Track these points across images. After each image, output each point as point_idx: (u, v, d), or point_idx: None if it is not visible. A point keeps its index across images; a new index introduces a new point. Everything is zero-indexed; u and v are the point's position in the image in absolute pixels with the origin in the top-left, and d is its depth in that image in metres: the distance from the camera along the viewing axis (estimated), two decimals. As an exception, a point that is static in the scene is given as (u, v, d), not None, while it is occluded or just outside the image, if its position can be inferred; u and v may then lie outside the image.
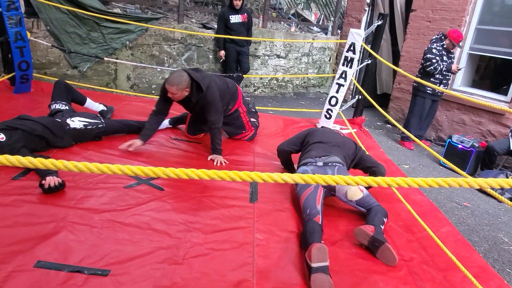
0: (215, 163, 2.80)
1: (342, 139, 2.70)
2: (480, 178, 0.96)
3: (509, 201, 1.85)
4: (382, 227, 2.14)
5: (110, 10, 5.01)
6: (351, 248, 2.10)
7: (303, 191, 2.24)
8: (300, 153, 2.77)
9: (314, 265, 1.68)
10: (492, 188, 3.87)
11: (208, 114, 2.85)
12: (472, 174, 4.38)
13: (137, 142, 2.74)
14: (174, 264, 1.63)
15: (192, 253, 1.72)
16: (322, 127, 3.12)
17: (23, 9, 3.96)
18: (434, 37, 4.77)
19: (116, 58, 5.08)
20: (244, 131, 3.39)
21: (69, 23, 4.65)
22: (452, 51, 4.72)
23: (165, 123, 3.39)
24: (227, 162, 2.87)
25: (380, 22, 4.20)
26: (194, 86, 2.80)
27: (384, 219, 2.22)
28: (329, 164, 2.38)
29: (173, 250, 1.73)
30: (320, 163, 2.39)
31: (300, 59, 7.12)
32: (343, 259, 1.99)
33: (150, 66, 5.26)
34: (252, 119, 3.46)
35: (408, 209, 2.56)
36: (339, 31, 7.61)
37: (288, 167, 2.90)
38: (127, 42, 5.13)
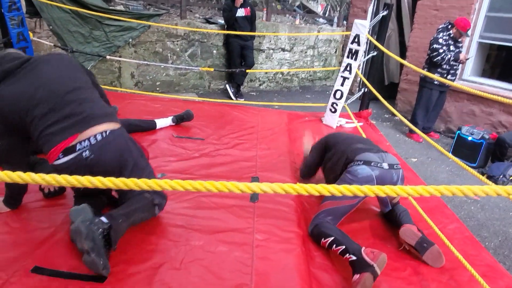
0: None
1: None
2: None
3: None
4: None
5: (113, 8, 4.99)
6: (354, 247, 2.06)
7: (342, 199, 1.98)
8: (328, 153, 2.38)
9: (375, 267, 1.70)
10: (503, 181, 3.78)
11: None
12: (483, 166, 4.28)
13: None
14: (171, 269, 1.60)
15: (190, 256, 1.70)
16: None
17: (24, 9, 3.97)
18: (440, 26, 4.64)
19: (120, 56, 5.07)
20: None
21: (71, 22, 4.65)
22: (459, 40, 4.59)
23: (168, 121, 3.36)
24: None
25: (385, 12, 4.09)
26: None
27: None
28: (395, 166, 2.07)
29: (171, 254, 1.70)
30: (386, 165, 2.03)
31: (306, 52, 7.03)
32: (346, 259, 1.95)
33: (153, 63, 5.24)
34: None
35: (414, 205, 2.50)
36: (344, 22, 7.48)
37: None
38: (130, 40, 5.11)
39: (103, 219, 1.57)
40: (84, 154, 1.64)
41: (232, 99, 5.69)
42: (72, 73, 1.78)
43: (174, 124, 3.42)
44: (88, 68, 4.95)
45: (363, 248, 1.77)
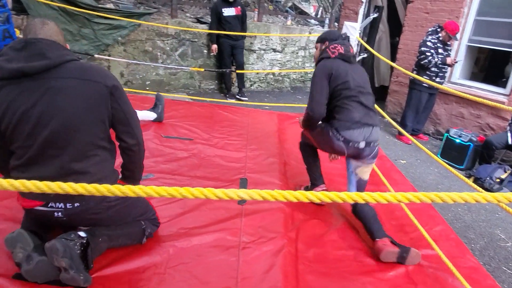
0: None
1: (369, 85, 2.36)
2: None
3: (507, 207, 1.80)
4: None
5: (102, 6, 4.93)
6: (341, 249, 2.06)
7: (321, 148, 2.42)
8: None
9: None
10: (490, 183, 3.82)
11: None
12: (470, 168, 4.32)
13: None
14: (156, 274, 1.59)
15: (175, 260, 1.68)
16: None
17: (10, 6, 3.89)
18: (430, 29, 4.67)
19: (109, 55, 5.01)
20: None
21: (59, 20, 4.56)
22: (448, 43, 4.63)
23: (150, 114, 3.33)
24: None
25: (375, 15, 4.12)
26: None
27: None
28: (371, 144, 2.17)
29: (156, 257, 1.68)
30: (362, 144, 2.15)
31: (297, 53, 7.03)
32: (332, 261, 1.96)
33: (143, 62, 5.19)
34: None
35: (401, 207, 2.52)
36: (336, 24, 7.50)
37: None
38: (119, 38, 5.05)
39: (81, 233, 1.49)
40: (55, 214, 1.47)
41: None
42: (82, 125, 1.45)
43: (156, 116, 3.37)
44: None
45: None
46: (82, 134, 1.44)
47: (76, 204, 1.46)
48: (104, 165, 1.53)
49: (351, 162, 2.26)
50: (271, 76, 6.91)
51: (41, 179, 1.34)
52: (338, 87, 2.17)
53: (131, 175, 1.72)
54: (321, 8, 8.07)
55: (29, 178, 1.33)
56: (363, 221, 2.17)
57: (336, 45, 2.25)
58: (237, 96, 5.87)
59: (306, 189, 2.34)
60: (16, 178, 1.37)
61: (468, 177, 4.05)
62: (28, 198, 1.44)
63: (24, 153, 1.41)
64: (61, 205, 1.45)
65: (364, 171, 2.25)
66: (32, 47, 1.38)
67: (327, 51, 2.27)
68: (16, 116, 1.37)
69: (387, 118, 3.46)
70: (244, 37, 5.78)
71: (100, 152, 1.51)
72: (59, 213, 1.47)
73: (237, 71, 5.73)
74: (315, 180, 2.51)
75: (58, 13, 4.53)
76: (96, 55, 4.65)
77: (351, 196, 0.80)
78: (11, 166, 1.46)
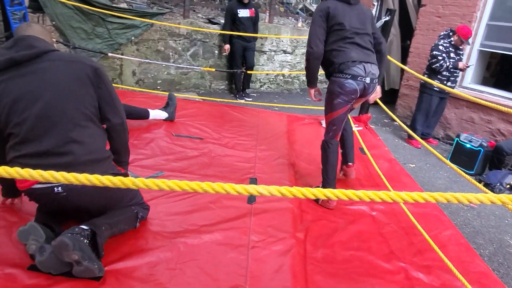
0: None
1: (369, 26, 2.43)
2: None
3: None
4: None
5: (116, 5, 5.00)
6: (349, 250, 2.07)
7: (338, 108, 2.37)
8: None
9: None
10: (500, 189, 3.79)
11: None
12: (480, 174, 4.29)
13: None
14: (167, 269, 1.61)
15: (186, 256, 1.71)
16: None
17: (27, 4, 3.98)
18: (442, 33, 4.66)
19: (122, 54, 5.08)
20: None
21: (74, 18, 4.65)
22: (461, 47, 4.61)
23: (162, 114, 3.36)
24: None
25: (387, 18, 4.11)
26: None
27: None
28: (374, 81, 2.35)
29: (167, 253, 1.71)
30: (368, 80, 2.30)
31: (307, 55, 7.04)
32: (340, 261, 1.97)
33: (155, 62, 5.25)
34: None
35: (410, 211, 2.51)
36: (347, 26, 7.49)
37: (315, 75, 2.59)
38: (133, 38, 5.12)
39: (83, 226, 1.52)
40: (55, 189, 1.50)
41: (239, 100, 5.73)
42: (72, 94, 1.56)
43: (168, 115, 3.40)
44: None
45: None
46: (74, 104, 1.55)
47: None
48: (97, 138, 1.62)
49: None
50: (281, 78, 6.93)
51: (39, 153, 1.48)
52: (334, 27, 2.30)
53: (118, 158, 1.80)
54: (332, 10, 8.07)
55: (27, 155, 1.48)
56: (343, 146, 2.68)
57: None
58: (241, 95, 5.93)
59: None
60: (14, 157, 1.49)
61: (478, 182, 4.02)
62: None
63: (21, 130, 1.49)
64: None
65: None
66: (21, 43, 1.54)
67: None
68: (10, 98, 1.48)
69: (397, 121, 3.45)
70: (256, 38, 5.83)
71: (92, 125, 1.61)
72: (59, 188, 1.50)
73: (248, 72, 5.76)
74: (327, 183, 2.46)
75: (73, 11, 4.62)
76: (109, 54, 4.72)
77: (368, 194, 0.82)
78: (9, 147, 1.53)
